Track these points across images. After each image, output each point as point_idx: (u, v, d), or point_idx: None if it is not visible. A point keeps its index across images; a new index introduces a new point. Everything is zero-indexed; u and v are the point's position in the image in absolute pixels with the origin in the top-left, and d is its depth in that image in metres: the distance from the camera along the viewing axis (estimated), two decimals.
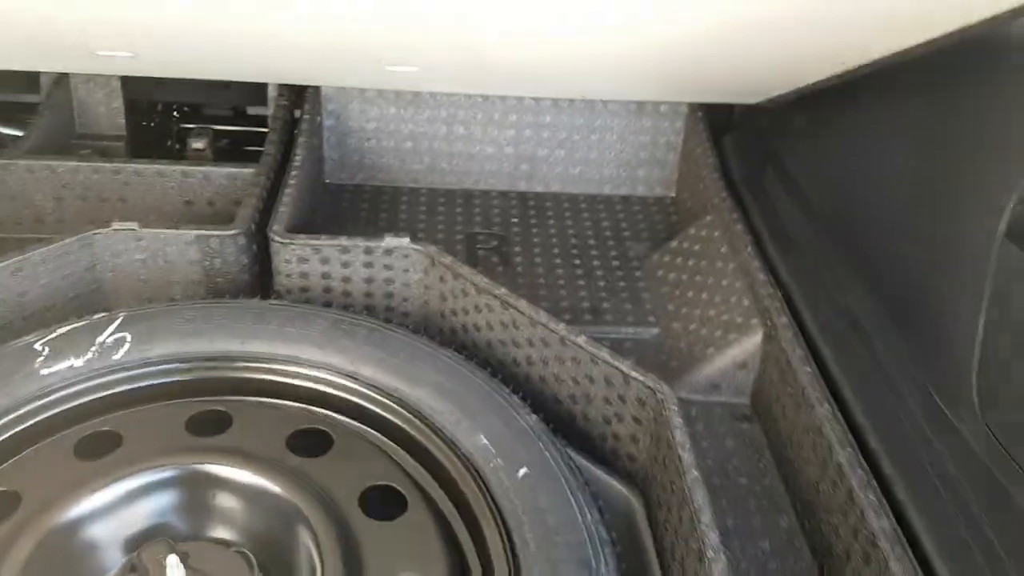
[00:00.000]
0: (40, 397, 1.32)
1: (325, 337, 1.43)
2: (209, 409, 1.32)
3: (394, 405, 1.37)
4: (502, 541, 1.18)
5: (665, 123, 2.16)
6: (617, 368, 1.39)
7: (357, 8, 1.33)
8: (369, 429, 1.37)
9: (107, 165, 1.84)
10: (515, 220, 2.12)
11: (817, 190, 1.74)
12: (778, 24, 1.34)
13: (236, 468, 1.21)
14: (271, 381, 1.40)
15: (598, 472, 1.42)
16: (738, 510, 1.37)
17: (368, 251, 1.63)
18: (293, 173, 1.80)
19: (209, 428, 1.29)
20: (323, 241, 1.61)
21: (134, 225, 1.56)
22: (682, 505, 1.17)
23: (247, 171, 1.83)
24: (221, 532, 1.22)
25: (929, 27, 1.25)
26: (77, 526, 1.16)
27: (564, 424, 1.48)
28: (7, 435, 1.28)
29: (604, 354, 1.41)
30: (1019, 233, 1.13)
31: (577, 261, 1.99)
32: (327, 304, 1.64)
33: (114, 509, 1.18)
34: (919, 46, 1.30)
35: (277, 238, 1.60)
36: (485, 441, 1.30)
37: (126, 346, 1.38)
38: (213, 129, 2.17)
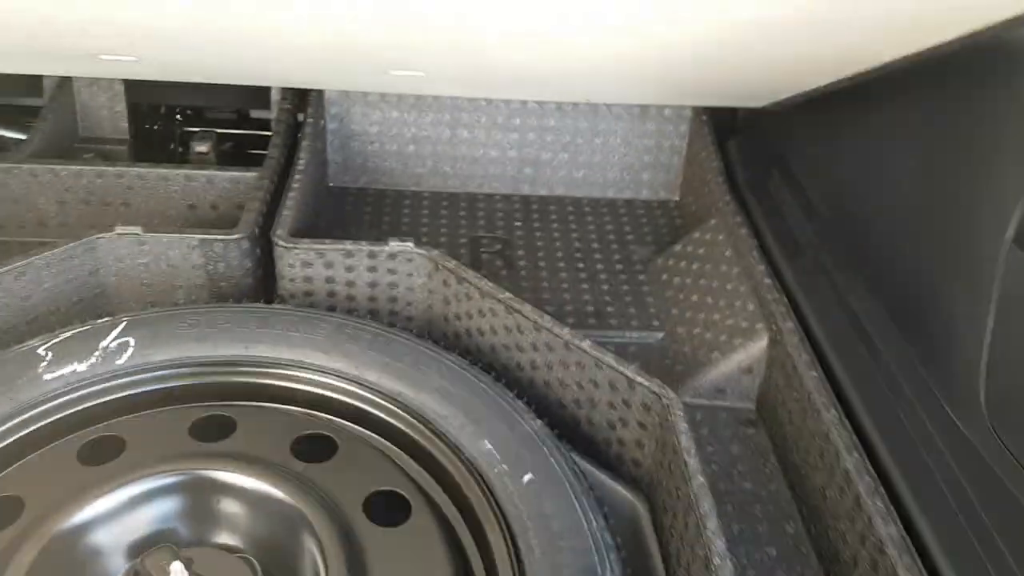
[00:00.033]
0: (43, 402, 1.32)
1: (329, 342, 1.43)
2: (213, 414, 1.32)
3: (398, 410, 1.37)
4: (507, 547, 1.18)
5: (669, 127, 2.16)
6: (622, 373, 1.39)
7: (361, 13, 1.33)
8: (373, 434, 1.36)
9: (110, 169, 1.84)
10: (519, 224, 2.12)
11: (822, 194, 1.73)
12: (783, 28, 1.34)
13: (240, 474, 1.20)
14: (275, 386, 1.40)
15: (603, 477, 1.41)
16: (744, 516, 1.36)
17: (372, 255, 1.62)
18: (297, 177, 1.79)
19: (213, 433, 1.28)
20: (327, 245, 1.61)
21: (137, 229, 1.56)
22: (688, 511, 1.17)
23: (250, 175, 1.82)
24: (225, 538, 1.21)
25: (937, 32, 1.24)
26: (80, 532, 1.15)
27: (568, 429, 1.48)
28: (10, 440, 1.28)
29: (609, 359, 1.41)
30: None
31: (581, 265, 1.98)
32: (331, 308, 1.64)
33: (118, 515, 1.17)
34: (927, 51, 1.29)
35: (281, 242, 1.59)
36: (489, 446, 1.30)
37: (129, 351, 1.37)
38: (216, 132, 2.17)
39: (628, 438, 1.41)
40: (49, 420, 1.31)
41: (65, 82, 2.10)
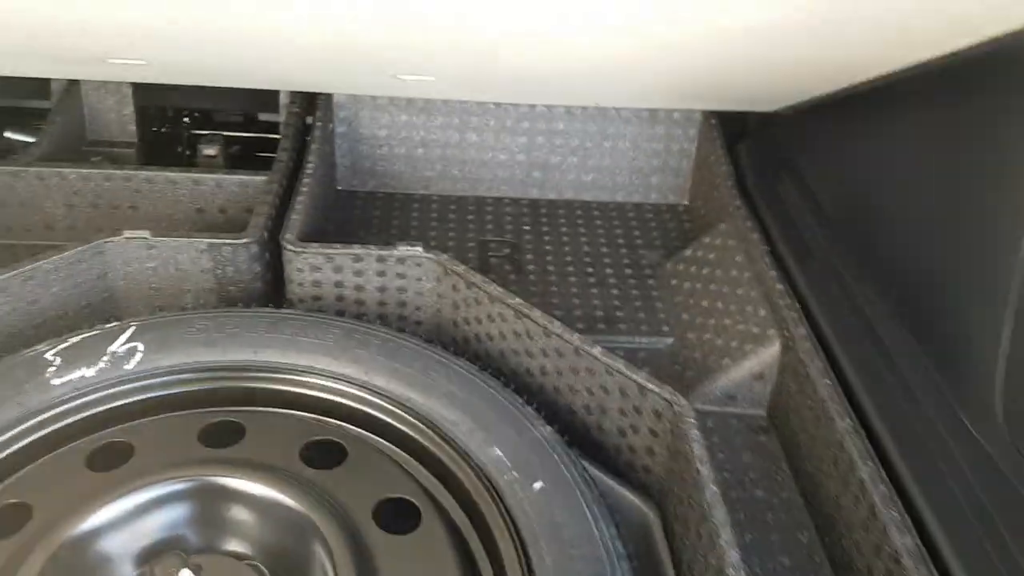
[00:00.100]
0: (51, 407, 1.31)
1: (338, 347, 1.42)
2: (222, 420, 1.31)
3: (408, 416, 1.36)
4: (517, 555, 1.17)
5: (678, 130, 2.15)
6: (633, 380, 1.38)
7: (369, 17, 1.32)
8: (383, 440, 1.36)
9: (118, 172, 1.84)
10: (527, 228, 2.11)
11: (834, 198, 1.72)
12: (795, 34, 1.33)
13: (250, 481, 1.19)
14: (284, 391, 1.39)
15: (613, 484, 1.40)
16: (756, 524, 1.35)
17: (381, 259, 1.62)
18: (305, 180, 1.79)
19: (222, 439, 1.28)
20: (336, 249, 1.60)
21: (146, 233, 1.56)
22: (701, 521, 1.16)
23: (259, 179, 1.82)
24: (234, 545, 1.21)
25: (950, 39, 1.23)
26: (89, 539, 1.14)
27: (578, 435, 1.47)
28: (18, 446, 1.28)
29: (619, 365, 1.40)
30: None
31: (590, 269, 1.97)
32: (340, 313, 1.64)
33: (126, 522, 1.17)
34: (941, 58, 1.28)
35: (290, 246, 1.59)
36: (499, 453, 1.29)
37: (138, 356, 1.37)
38: (224, 136, 2.16)
39: (639, 445, 1.40)
40: (57, 426, 1.31)
41: (73, 85, 2.10)
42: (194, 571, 1.10)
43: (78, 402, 1.33)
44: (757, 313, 1.59)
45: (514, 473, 1.26)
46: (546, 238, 2.07)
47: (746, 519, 1.36)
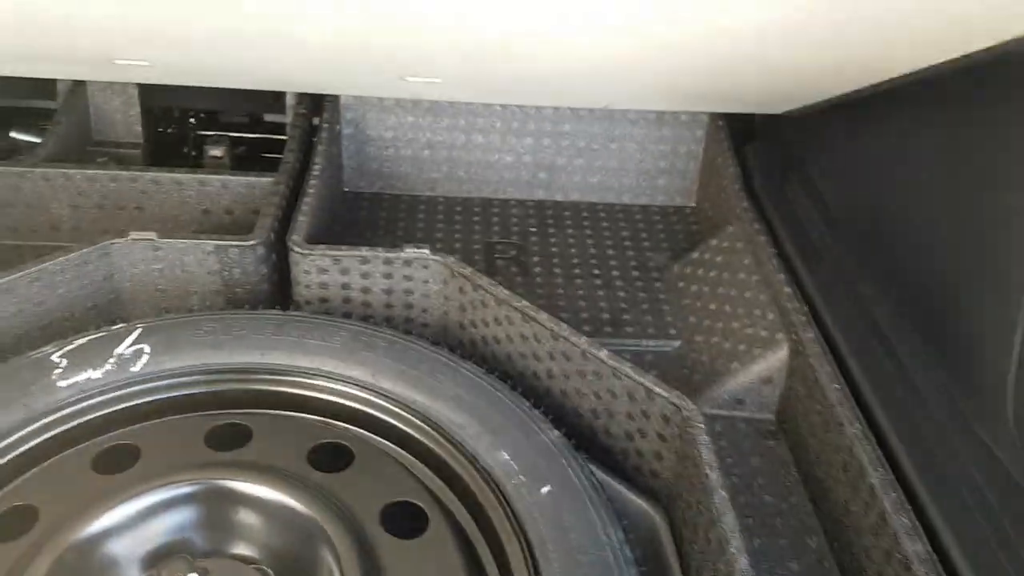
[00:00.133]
0: (57, 409, 1.31)
1: (345, 349, 1.42)
2: (229, 423, 1.31)
3: (415, 419, 1.35)
4: (525, 560, 1.16)
5: (685, 132, 2.14)
6: (641, 383, 1.37)
7: (377, 19, 1.32)
8: (390, 443, 1.35)
9: (124, 173, 1.83)
10: (533, 229, 2.10)
11: (843, 201, 1.71)
12: (803, 36, 1.32)
13: (257, 484, 1.19)
14: (291, 394, 1.39)
15: (620, 488, 1.40)
16: (765, 529, 1.34)
17: (388, 261, 1.61)
18: (312, 182, 1.78)
19: (229, 442, 1.27)
20: (343, 251, 1.60)
21: (152, 235, 1.55)
22: (709, 527, 1.15)
23: (266, 180, 1.81)
24: (241, 548, 1.20)
25: (961, 43, 1.22)
26: (95, 542, 1.14)
27: (585, 439, 1.46)
28: (24, 448, 1.27)
29: (627, 368, 1.39)
30: None
31: (596, 271, 1.96)
32: (346, 315, 1.63)
33: (133, 525, 1.16)
34: (953, 60, 1.27)
35: (297, 248, 1.58)
36: (507, 457, 1.28)
37: (145, 358, 1.37)
38: (230, 137, 2.16)
39: (646, 449, 1.40)
40: (63, 428, 1.31)
41: (79, 85, 2.10)
42: (200, 574, 1.10)
43: (84, 404, 1.32)
44: (765, 316, 1.58)
45: (521, 477, 1.25)
46: (552, 240, 2.07)
47: (755, 524, 1.35)
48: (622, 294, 1.89)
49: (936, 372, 1.31)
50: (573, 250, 2.03)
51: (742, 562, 1.05)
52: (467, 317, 1.63)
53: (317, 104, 2.07)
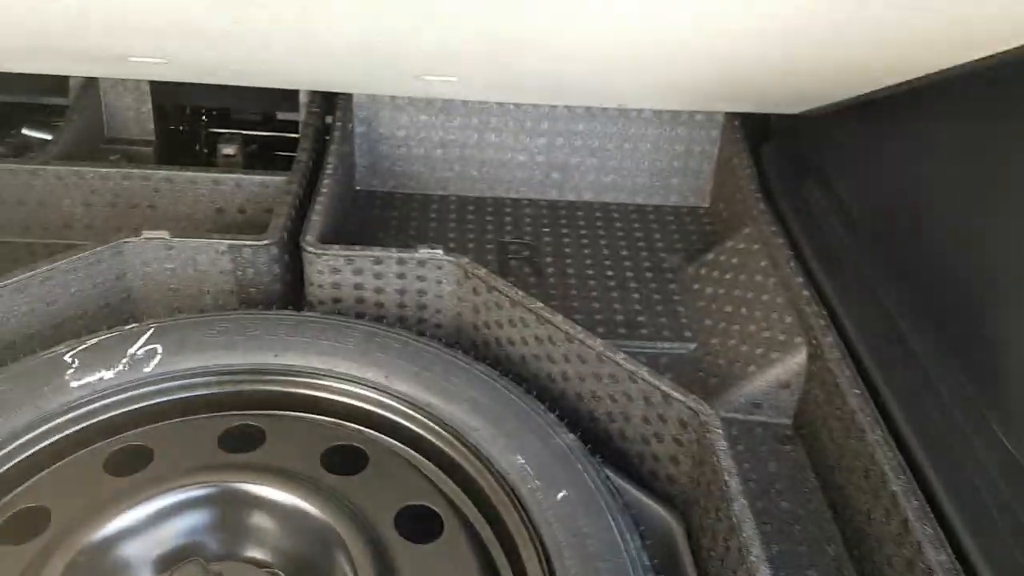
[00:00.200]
0: (70, 410, 1.30)
1: (359, 350, 1.40)
2: (242, 424, 1.29)
3: (429, 422, 1.34)
4: (541, 567, 1.15)
5: (700, 132, 2.12)
6: (657, 387, 1.35)
7: (394, 18, 1.30)
8: (404, 446, 1.34)
9: (137, 171, 1.83)
10: (546, 229, 2.08)
11: (862, 202, 1.69)
12: (825, 35, 1.30)
13: (271, 487, 1.18)
14: (305, 395, 1.37)
15: (636, 493, 1.38)
16: (783, 536, 1.32)
17: (401, 262, 1.60)
18: (326, 181, 1.77)
19: (242, 444, 1.26)
20: (356, 252, 1.58)
21: (165, 234, 1.54)
22: (729, 534, 1.13)
23: (279, 179, 1.80)
24: (255, 552, 1.19)
25: (986, 44, 1.20)
26: (108, 545, 1.13)
27: (600, 442, 1.44)
28: (36, 449, 1.26)
29: (644, 372, 1.38)
30: None
31: (610, 272, 1.95)
32: (359, 315, 1.62)
33: (146, 528, 1.15)
34: (975, 61, 1.25)
35: (310, 248, 1.57)
36: (522, 461, 1.27)
37: (157, 358, 1.36)
38: (242, 134, 2.15)
39: (663, 453, 1.38)
40: (75, 429, 1.30)
41: (91, 82, 2.09)
42: None
43: (97, 405, 1.31)
44: (783, 320, 1.56)
45: (537, 482, 1.24)
46: (565, 240, 2.05)
47: (772, 530, 1.33)
48: (636, 295, 1.88)
49: (959, 377, 1.29)
50: (586, 250, 2.02)
51: (763, 571, 1.04)
52: (481, 318, 1.61)
53: (329, 102, 2.06)
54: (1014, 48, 1.15)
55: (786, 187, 1.92)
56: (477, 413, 1.33)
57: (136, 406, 1.33)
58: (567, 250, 2.02)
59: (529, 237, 2.05)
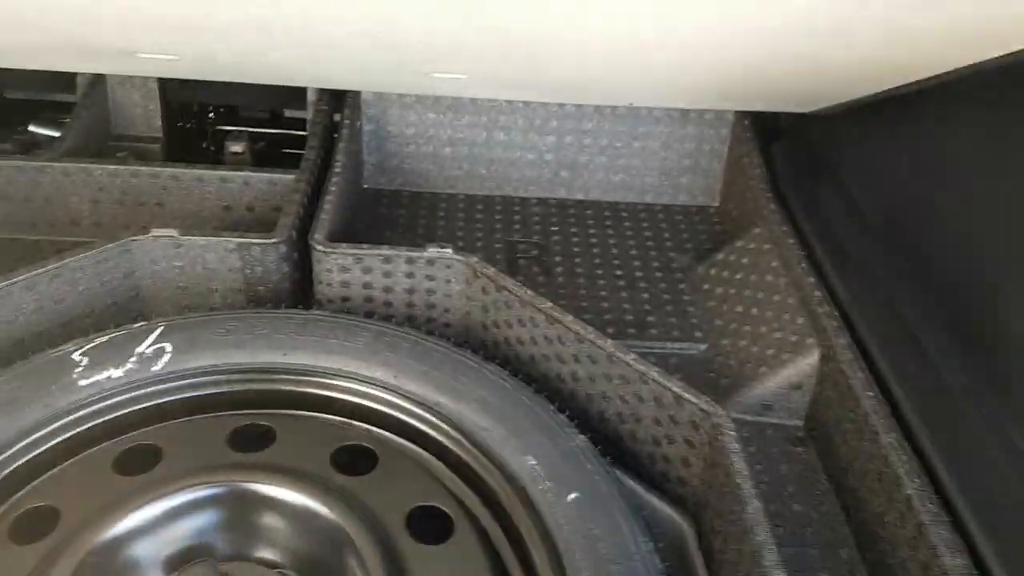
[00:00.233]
0: (78, 409, 1.29)
1: (368, 350, 1.40)
2: (251, 423, 1.29)
3: (438, 421, 1.33)
4: (553, 570, 1.14)
5: (710, 130, 2.11)
6: (668, 388, 1.34)
7: (406, 14, 1.29)
8: (413, 446, 1.33)
9: (145, 168, 1.82)
10: (555, 228, 2.07)
11: (875, 202, 1.67)
12: (840, 33, 1.29)
13: (281, 487, 1.17)
14: (314, 394, 1.37)
15: (646, 495, 1.37)
16: (795, 539, 1.31)
17: (410, 261, 1.59)
18: (334, 179, 1.76)
19: (252, 443, 1.26)
20: (365, 250, 1.58)
21: (174, 231, 1.53)
22: (742, 538, 1.12)
23: (287, 177, 1.79)
24: (264, 552, 1.19)
25: (1001, 42, 1.19)
26: (117, 545, 1.13)
27: (610, 444, 1.43)
28: (44, 448, 1.26)
29: (654, 373, 1.37)
30: None
31: (619, 272, 1.94)
32: (368, 314, 1.61)
33: (155, 527, 1.15)
34: (991, 60, 1.24)
35: (319, 247, 1.56)
36: (533, 462, 1.26)
37: (166, 356, 1.35)
38: (249, 132, 2.14)
39: (673, 455, 1.37)
40: (84, 427, 1.29)
41: (98, 79, 2.08)
42: None
43: (105, 404, 1.31)
44: (794, 321, 1.55)
45: (548, 483, 1.23)
46: (574, 239, 2.04)
47: (784, 533, 1.32)
48: (645, 295, 1.86)
49: (974, 380, 1.28)
50: (595, 250, 2.01)
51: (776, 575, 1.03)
52: (490, 318, 1.60)
53: (337, 100, 2.05)
54: None
55: (797, 186, 1.91)
56: (487, 413, 1.33)
57: (145, 405, 1.32)
58: (576, 249, 2.00)
59: (538, 236, 2.04)
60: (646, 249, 2.02)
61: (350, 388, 1.37)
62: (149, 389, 1.33)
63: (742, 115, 2.06)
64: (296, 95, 2.11)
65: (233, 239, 1.55)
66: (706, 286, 1.84)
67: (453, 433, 1.32)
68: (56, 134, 2.14)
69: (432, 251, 1.59)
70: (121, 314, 1.55)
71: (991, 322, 1.29)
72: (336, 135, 1.95)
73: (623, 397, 1.42)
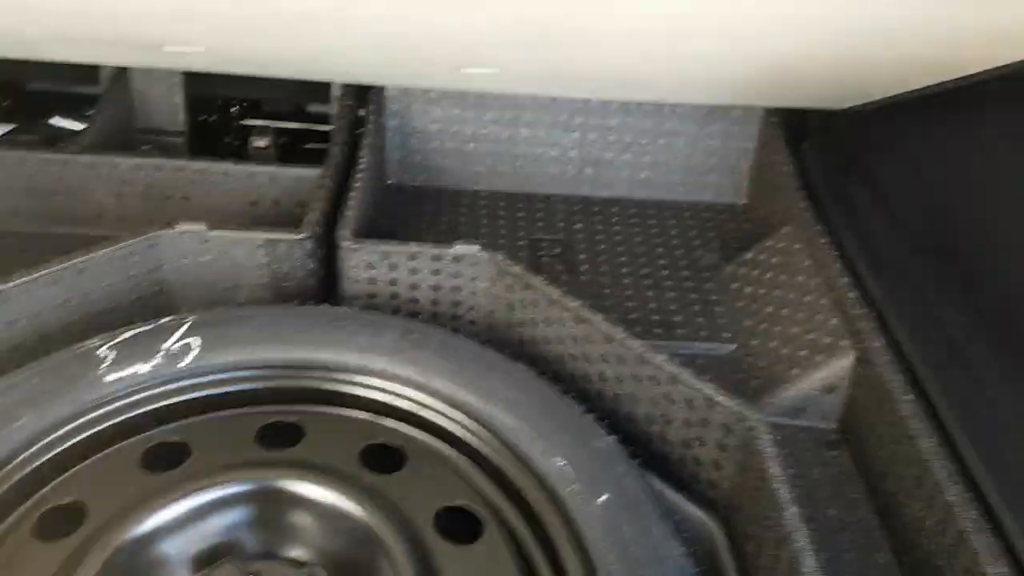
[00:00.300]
0: (104, 404, 1.28)
1: (396, 347, 1.38)
2: (280, 420, 1.27)
3: (467, 420, 1.32)
4: (584, 573, 1.12)
5: (737, 128, 2.08)
6: (700, 391, 1.32)
7: (438, 9, 1.28)
8: (441, 444, 1.32)
9: (171, 163, 1.81)
10: (579, 226, 2.05)
11: (911, 201, 1.64)
12: (882, 28, 1.26)
13: (311, 485, 1.16)
14: (342, 391, 1.35)
15: (676, 498, 1.36)
16: (829, 544, 1.29)
17: (436, 258, 1.57)
18: (359, 175, 1.74)
19: (280, 440, 1.24)
20: (391, 247, 1.56)
21: (202, 226, 1.52)
22: (779, 544, 1.10)
23: (313, 172, 1.78)
24: (293, 551, 1.17)
25: None
26: (145, 542, 1.12)
27: (639, 445, 1.41)
28: (70, 443, 1.25)
29: (686, 375, 1.35)
30: None
31: (645, 271, 1.91)
32: (394, 310, 1.60)
33: (183, 525, 1.14)
34: None
35: (346, 243, 1.55)
36: (562, 463, 1.24)
37: (193, 352, 1.34)
38: (274, 127, 2.13)
39: (705, 458, 1.35)
40: (109, 424, 1.28)
41: (122, 71, 2.07)
42: None
43: (132, 399, 1.30)
44: (828, 322, 1.52)
45: (578, 485, 1.21)
46: (598, 237, 2.02)
47: (819, 538, 1.29)
48: (672, 294, 1.84)
49: (1016, 386, 1.25)
50: (620, 248, 1.98)
51: None
52: (515, 316, 1.59)
53: (362, 95, 2.03)
54: None
55: (828, 185, 1.87)
56: (515, 413, 1.31)
57: (172, 401, 1.31)
58: (600, 247, 1.98)
59: (562, 234, 2.02)
60: (672, 247, 1.99)
61: (378, 385, 1.35)
62: (176, 385, 1.32)
63: (770, 112, 2.03)
64: (319, 90, 2.10)
65: (260, 235, 1.54)
66: (734, 285, 1.81)
67: (481, 432, 1.30)
68: (79, 127, 2.13)
69: (459, 248, 1.57)
70: (146, 309, 1.54)
71: None
72: (360, 130, 1.93)
73: (652, 398, 1.40)
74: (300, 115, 2.28)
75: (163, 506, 1.13)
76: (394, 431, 1.31)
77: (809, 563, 1.03)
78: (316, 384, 1.35)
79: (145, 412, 1.30)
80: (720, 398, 1.29)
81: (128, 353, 1.33)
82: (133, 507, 1.12)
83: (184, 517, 1.14)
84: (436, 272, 1.59)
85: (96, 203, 1.83)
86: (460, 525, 1.17)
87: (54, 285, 1.44)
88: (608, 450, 1.27)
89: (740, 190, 2.12)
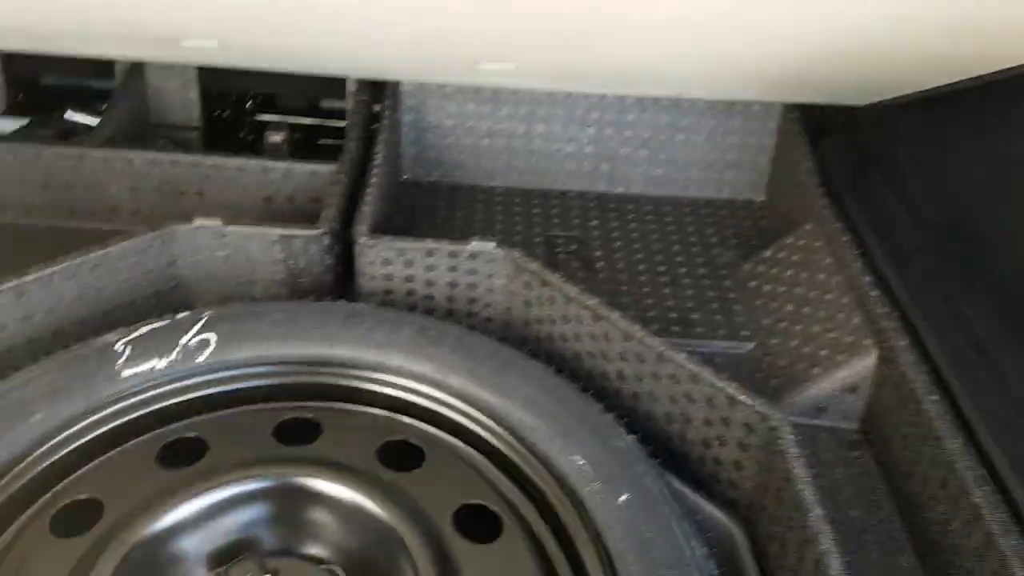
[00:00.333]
0: (120, 400, 1.28)
1: (412, 344, 1.37)
2: (297, 416, 1.27)
3: (484, 418, 1.31)
4: (604, 573, 1.11)
5: (756, 124, 2.05)
6: (721, 390, 1.31)
7: (457, 5, 1.26)
8: (459, 442, 1.31)
9: (186, 157, 1.80)
10: (595, 223, 2.03)
11: (934, 198, 1.62)
12: (911, 24, 1.24)
13: (330, 482, 1.15)
14: (359, 388, 1.34)
15: (696, 498, 1.34)
16: (852, 546, 1.27)
17: (453, 254, 1.56)
18: (375, 171, 1.73)
19: (298, 436, 1.24)
20: (408, 243, 1.55)
21: (218, 221, 1.51)
22: (803, 546, 1.09)
23: (328, 168, 1.77)
24: (311, 548, 1.16)
25: None
26: (162, 539, 1.11)
27: (658, 444, 1.40)
28: (87, 439, 1.24)
29: (707, 374, 1.33)
30: None
31: (662, 268, 1.89)
32: (410, 307, 1.59)
33: (201, 521, 1.13)
34: None
35: (362, 239, 1.54)
36: (582, 462, 1.23)
37: (211, 347, 1.33)
38: (289, 122, 2.12)
39: (725, 458, 1.33)
40: (126, 419, 1.27)
41: (137, 66, 2.07)
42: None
43: (148, 395, 1.29)
44: (850, 321, 1.50)
45: (597, 484, 1.20)
46: (615, 234, 2.00)
47: (842, 539, 1.27)
48: (690, 292, 1.82)
49: None
50: (637, 245, 1.97)
51: None
52: (532, 313, 1.57)
53: (376, 90, 2.02)
54: None
55: (849, 182, 1.85)
56: (533, 411, 1.30)
57: (189, 396, 1.30)
58: (617, 244, 1.96)
59: (578, 230, 2.00)
60: (689, 244, 1.97)
61: (395, 382, 1.34)
62: (193, 380, 1.31)
63: (790, 108, 2.01)
64: (334, 85, 2.09)
65: (276, 230, 1.53)
66: (753, 283, 1.79)
67: (499, 430, 1.29)
68: (93, 121, 2.13)
69: (475, 245, 1.56)
70: (161, 304, 1.53)
71: None
72: (375, 126, 1.92)
73: (672, 397, 1.38)
74: (315, 110, 2.27)
75: (180, 502, 1.12)
76: (411, 428, 1.30)
77: (835, 566, 1.02)
78: (333, 380, 1.35)
79: (162, 408, 1.29)
80: (742, 397, 1.28)
81: (144, 348, 1.32)
82: (150, 503, 1.12)
83: (201, 514, 1.13)
84: (452, 269, 1.58)
85: (111, 198, 1.83)
86: (479, 524, 1.16)
87: (69, 280, 1.44)
88: (628, 449, 1.26)
89: (759, 187, 2.10)
